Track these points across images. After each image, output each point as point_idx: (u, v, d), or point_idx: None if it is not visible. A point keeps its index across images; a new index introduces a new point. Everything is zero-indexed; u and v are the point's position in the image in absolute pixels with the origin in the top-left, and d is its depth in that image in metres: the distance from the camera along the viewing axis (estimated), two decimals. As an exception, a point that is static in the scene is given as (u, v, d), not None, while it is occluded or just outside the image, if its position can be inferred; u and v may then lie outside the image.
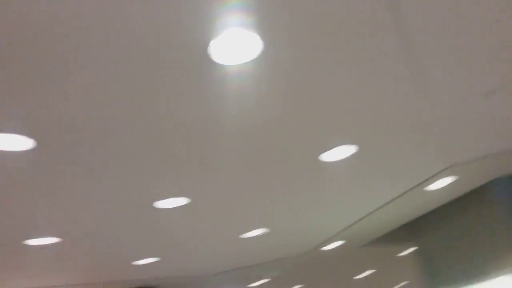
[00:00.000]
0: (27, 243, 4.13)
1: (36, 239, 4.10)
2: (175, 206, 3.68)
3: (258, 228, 4.66)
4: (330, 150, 3.08)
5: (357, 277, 8.99)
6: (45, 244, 4.28)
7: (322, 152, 3.09)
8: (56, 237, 4.15)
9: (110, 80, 2.03)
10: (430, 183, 4.15)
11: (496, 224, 4.60)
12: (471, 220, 4.87)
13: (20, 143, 2.46)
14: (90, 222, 3.87)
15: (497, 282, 4.64)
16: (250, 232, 4.69)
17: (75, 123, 2.33)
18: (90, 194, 3.27)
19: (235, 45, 1.92)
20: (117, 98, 2.16)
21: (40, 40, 1.73)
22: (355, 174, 3.59)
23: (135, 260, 5.28)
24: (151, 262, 5.49)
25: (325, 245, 5.80)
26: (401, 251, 7.04)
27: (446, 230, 5.06)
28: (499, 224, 4.56)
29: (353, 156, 3.24)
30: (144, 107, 2.26)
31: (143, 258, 5.27)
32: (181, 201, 3.62)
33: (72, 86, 2.04)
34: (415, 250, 5.42)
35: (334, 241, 5.68)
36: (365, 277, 9.25)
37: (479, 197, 4.70)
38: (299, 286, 9.55)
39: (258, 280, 8.04)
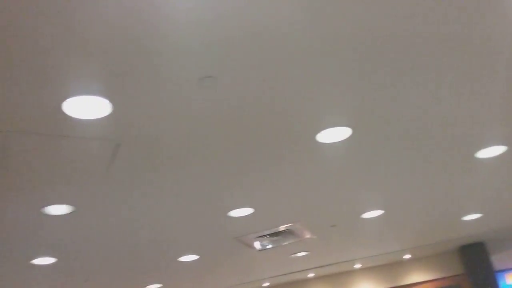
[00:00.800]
0: (363, 217, 4.67)
1: (367, 213, 4.59)
2: (492, 155, 3.51)
3: None
4: None
5: None
6: (374, 217, 4.74)
7: None
8: (381, 210, 4.54)
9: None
10: None
11: None
12: None
13: (340, 133, 2.85)
14: (414, 189, 4.07)
15: None
16: None
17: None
18: (405, 168, 3.47)
19: None
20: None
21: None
22: None
23: (463, 216, 5.23)
24: (477, 218, 5.32)
25: None
26: None
27: None
28: None
29: None
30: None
31: (469, 214, 5.17)
32: (500, 149, 3.42)
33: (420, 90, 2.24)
34: None
35: None
36: None
37: None
38: None
39: None
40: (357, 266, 7.35)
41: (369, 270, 7.52)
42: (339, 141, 2.95)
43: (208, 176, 3.22)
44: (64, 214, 3.58)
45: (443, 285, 7.15)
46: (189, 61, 2.02)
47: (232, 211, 3.97)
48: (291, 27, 1.88)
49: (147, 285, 6.42)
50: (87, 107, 2.28)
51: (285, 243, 5.35)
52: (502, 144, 3.35)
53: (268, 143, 2.86)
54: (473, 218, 5.31)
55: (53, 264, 4.87)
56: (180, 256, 5.17)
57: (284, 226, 4.70)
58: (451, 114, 2.82)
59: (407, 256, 7.15)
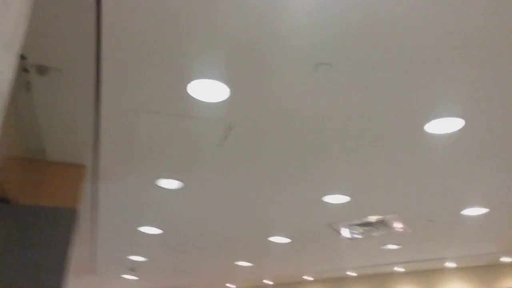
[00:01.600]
0: (463, 213, 4.49)
1: (469, 209, 4.40)
2: None
3: None
4: None
5: None
6: (477, 214, 4.52)
7: None
8: (486, 207, 4.33)
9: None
10: None
11: None
12: None
13: (451, 124, 2.78)
14: (521, 188, 3.84)
15: None
16: None
17: None
18: (520, 160, 3.28)
19: None
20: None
21: (467, 32, 1.95)
22: None
23: None
24: None
25: None
26: None
27: None
28: None
29: None
30: None
31: None
32: None
33: None
34: None
35: None
36: None
37: None
38: None
39: None
40: (448, 264, 7.06)
41: (461, 270, 7.19)
42: (449, 133, 2.88)
43: (310, 161, 3.31)
44: (174, 189, 3.89)
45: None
46: (303, 53, 2.10)
47: (328, 196, 4.04)
48: (408, 19, 1.88)
49: (238, 261, 6.72)
50: (208, 90, 2.46)
51: (377, 234, 5.31)
52: None
53: (374, 132, 2.88)
54: None
55: (159, 235, 5.30)
56: (271, 236, 5.35)
57: (378, 216, 4.66)
58: None
59: (505, 259, 6.72)
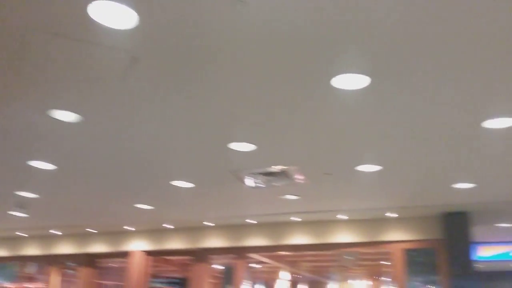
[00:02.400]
0: (358, 169, 4.76)
1: (363, 166, 4.66)
2: (502, 126, 3.53)
3: None
4: None
5: None
6: (370, 171, 4.82)
7: None
8: (379, 165, 4.62)
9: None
10: None
11: None
12: None
13: (358, 81, 2.84)
14: (412, 149, 4.13)
15: None
16: None
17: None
18: (416, 121, 3.49)
19: None
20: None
21: None
22: None
23: (453, 184, 5.34)
24: (469, 188, 5.44)
25: None
26: None
27: None
28: None
29: None
30: None
31: (461, 183, 5.27)
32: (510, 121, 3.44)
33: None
34: None
35: None
36: None
37: None
38: None
39: None
40: (340, 216, 7.57)
41: (351, 223, 7.76)
42: (355, 89, 2.95)
43: (216, 104, 3.23)
44: (71, 122, 3.61)
45: (420, 246, 7.43)
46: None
47: (234, 144, 4.02)
48: None
49: (138, 204, 6.59)
50: (113, 14, 2.23)
51: (278, 184, 5.47)
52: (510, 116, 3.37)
53: (283, 86, 2.86)
54: (464, 187, 5.43)
55: (52, 170, 4.96)
56: (174, 180, 5.27)
57: (281, 167, 4.78)
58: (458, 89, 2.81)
59: (391, 214, 7.36)
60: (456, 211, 6.96)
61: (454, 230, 7.05)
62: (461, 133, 3.71)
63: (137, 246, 8.86)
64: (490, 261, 10.83)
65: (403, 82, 2.86)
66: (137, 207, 6.76)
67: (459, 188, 5.50)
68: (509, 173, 4.86)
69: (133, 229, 8.74)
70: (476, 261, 10.41)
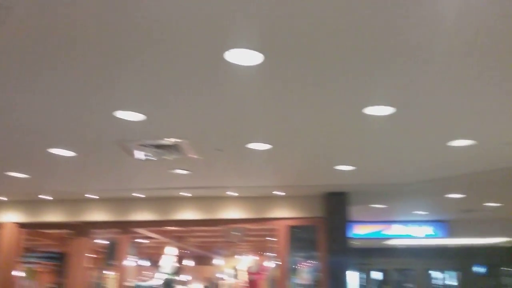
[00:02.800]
0: (248, 147, 4.78)
1: (254, 144, 4.70)
2: (382, 114, 3.75)
3: (465, 138, 4.44)
4: None
5: None
6: (261, 150, 4.88)
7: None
8: (269, 144, 4.68)
9: None
10: None
11: None
12: None
13: (251, 57, 2.79)
14: (299, 130, 4.24)
15: None
16: (457, 140, 4.50)
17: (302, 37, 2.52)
18: (305, 102, 3.56)
19: None
20: (341, 7, 2.24)
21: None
22: None
23: (336, 166, 5.64)
24: (349, 170, 5.79)
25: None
26: None
27: None
28: None
29: None
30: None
31: (343, 165, 5.59)
32: (387, 110, 3.66)
33: (302, -1, 2.18)
34: None
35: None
36: None
37: None
38: (497, 204, 8.95)
39: (452, 194, 7.79)
40: (230, 193, 7.65)
41: (240, 199, 7.89)
42: (248, 66, 2.90)
43: (96, 68, 2.97)
44: None
45: (302, 223, 7.82)
46: None
47: (120, 112, 3.77)
48: None
49: (9, 171, 5.97)
50: None
51: (169, 158, 5.30)
52: (391, 105, 3.59)
53: (175, 51, 2.71)
54: (345, 169, 5.77)
55: None
56: (52, 147, 4.83)
57: (173, 140, 4.62)
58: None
59: (278, 193, 7.61)
60: (337, 192, 7.41)
61: (334, 209, 7.52)
62: (343, 118, 3.88)
63: (9, 217, 8.10)
64: (365, 238, 11.82)
65: (296, 63, 2.87)
66: (9, 175, 6.12)
67: (341, 170, 5.83)
68: (384, 158, 5.25)
69: (5, 199, 7.96)
70: (352, 238, 11.29)
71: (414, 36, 2.52)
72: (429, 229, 11.62)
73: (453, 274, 19.26)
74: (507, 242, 15.16)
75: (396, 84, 3.18)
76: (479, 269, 18.85)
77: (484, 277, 18.87)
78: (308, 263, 7.83)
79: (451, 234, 11.60)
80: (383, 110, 3.67)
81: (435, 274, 19.21)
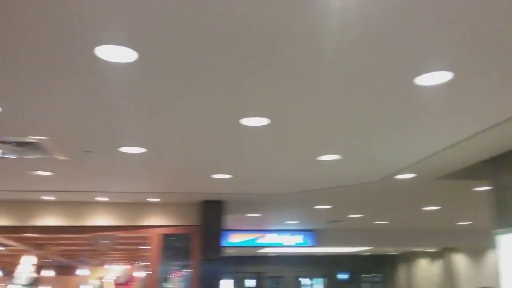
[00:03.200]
0: (121, 150, 4.50)
1: (127, 147, 4.45)
2: (258, 124, 3.80)
3: (332, 153, 4.72)
4: (425, 74, 2.96)
5: (425, 208, 8.96)
6: (134, 153, 4.64)
7: (416, 76, 2.98)
8: (144, 147, 4.48)
9: (215, -7, 2.06)
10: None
11: None
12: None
13: (123, 54, 2.61)
14: (175, 135, 4.12)
15: None
16: (324, 156, 4.77)
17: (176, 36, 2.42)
18: (181, 107, 3.45)
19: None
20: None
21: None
22: (448, 102, 3.47)
23: (213, 174, 5.61)
24: (226, 178, 5.80)
25: (397, 175, 5.79)
26: (476, 186, 6.89)
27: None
28: None
29: (448, 83, 3.11)
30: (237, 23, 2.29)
31: (219, 173, 5.58)
32: (263, 121, 3.72)
33: (178, -2, 2.09)
34: (490, 190, 5.27)
35: (407, 172, 5.65)
36: (432, 211, 9.21)
37: None
38: (359, 215, 9.75)
39: (320, 205, 8.28)
40: (100, 198, 7.20)
41: (111, 205, 7.46)
42: (120, 63, 2.71)
43: None
44: None
45: (177, 231, 7.65)
46: None
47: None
48: None
49: None
50: None
51: (30, 157, 4.79)
52: (266, 117, 3.66)
53: (44, 39, 2.42)
54: (221, 177, 5.77)
55: None
56: None
57: (36, 137, 4.17)
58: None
59: (152, 199, 7.36)
60: (213, 200, 7.41)
61: (210, 217, 7.50)
62: (220, 127, 3.86)
63: None
64: (239, 246, 12.02)
65: (170, 66, 2.76)
66: None
67: (218, 179, 5.82)
68: (260, 168, 5.36)
69: None
70: (226, 246, 11.38)
71: (283, 50, 2.57)
72: (299, 238, 12.23)
73: (320, 280, 20.55)
74: (366, 250, 16.61)
75: (269, 96, 3.24)
76: (342, 276, 20.38)
77: (346, 283, 20.44)
78: (182, 271, 7.68)
79: (319, 243, 12.35)
80: (258, 121, 3.73)
81: (304, 281, 20.30)
